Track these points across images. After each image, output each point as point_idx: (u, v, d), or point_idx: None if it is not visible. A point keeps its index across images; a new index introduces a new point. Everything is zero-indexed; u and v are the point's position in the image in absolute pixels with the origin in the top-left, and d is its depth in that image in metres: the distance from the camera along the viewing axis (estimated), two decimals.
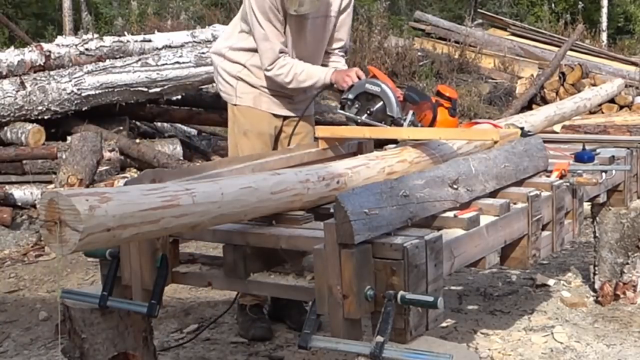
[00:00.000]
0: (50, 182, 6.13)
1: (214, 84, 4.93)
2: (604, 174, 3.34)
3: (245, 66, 3.66)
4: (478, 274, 4.58)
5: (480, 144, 3.21)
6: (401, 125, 3.21)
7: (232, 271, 2.43)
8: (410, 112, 3.25)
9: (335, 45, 3.74)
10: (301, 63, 3.56)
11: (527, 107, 9.41)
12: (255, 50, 3.58)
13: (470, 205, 2.58)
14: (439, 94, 3.42)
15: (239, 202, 2.14)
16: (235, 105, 3.71)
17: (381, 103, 3.24)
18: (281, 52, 3.53)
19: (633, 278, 3.98)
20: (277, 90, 3.65)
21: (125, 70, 7.02)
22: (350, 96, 3.30)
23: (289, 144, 3.69)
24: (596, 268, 4.06)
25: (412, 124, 3.22)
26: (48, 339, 3.78)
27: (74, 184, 5.57)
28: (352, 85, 3.34)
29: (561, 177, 3.07)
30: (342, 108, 3.33)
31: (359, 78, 3.36)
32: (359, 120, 3.27)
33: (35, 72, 7.07)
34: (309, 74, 3.54)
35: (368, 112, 3.26)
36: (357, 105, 3.28)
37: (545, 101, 9.70)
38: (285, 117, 3.75)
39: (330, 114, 7.78)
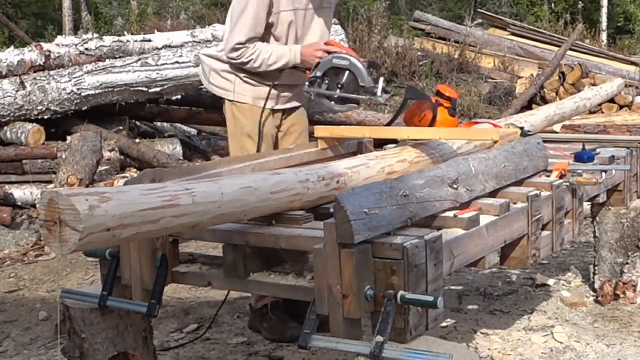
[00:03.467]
0: (50, 182, 6.13)
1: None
2: (604, 174, 3.34)
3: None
4: (478, 274, 4.58)
5: (480, 144, 3.21)
6: (375, 93, 3.26)
7: (232, 271, 2.43)
8: (381, 79, 3.30)
9: None
10: (266, 46, 3.52)
11: (527, 107, 9.41)
12: None
13: (470, 205, 2.57)
14: (439, 94, 3.42)
15: (239, 202, 2.14)
16: (233, 102, 3.63)
17: (348, 74, 3.29)
18: (250, 40, 3.48)
19: (633, 278, 3.98)
20: (275, 82, 3.60)
21: (125, 70, 7.02)
22: (319, 74, 3.33)
23: (287, 139, 3.70)
24: (596, 268, 4.06)
25: (385, 91, 3.27)
26: (48, 339, 3.77)
27: (74, 184, 5.57)
28: (318, 63, 3.37)
29: (561, 177, 3.07)
30: (312, 86, 3.35)
31: (327, 53, 3.39)
32: (336, 96, 3.31)
33: (35, 72, 7.08)
34: (279, 56, 3.51)
35: (339, 86, 3.30)
36: (326, 82, 3.32)
37: (545, 101, 9.70)
38: (284, 112, 3.71)
39: (331, 114, 7.77)
